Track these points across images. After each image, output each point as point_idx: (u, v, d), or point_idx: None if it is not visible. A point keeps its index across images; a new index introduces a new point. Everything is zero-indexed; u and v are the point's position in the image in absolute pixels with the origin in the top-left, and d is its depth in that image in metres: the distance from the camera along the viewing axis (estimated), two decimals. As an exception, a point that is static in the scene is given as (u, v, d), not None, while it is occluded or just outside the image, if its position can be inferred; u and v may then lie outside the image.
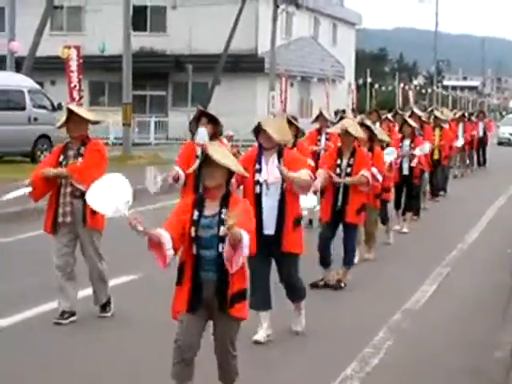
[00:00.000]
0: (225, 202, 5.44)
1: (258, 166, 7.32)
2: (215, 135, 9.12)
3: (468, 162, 25.92)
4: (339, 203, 9.48)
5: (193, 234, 5.37)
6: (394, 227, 13.50)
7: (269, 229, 7.30)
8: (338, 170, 9.52)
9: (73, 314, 7.99)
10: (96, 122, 8.23)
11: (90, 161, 7.85)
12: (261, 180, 7.29)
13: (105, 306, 8.22)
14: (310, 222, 13.27)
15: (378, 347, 7.56)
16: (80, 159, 7.89)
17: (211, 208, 5.42)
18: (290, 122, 10.95)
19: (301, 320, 7.84)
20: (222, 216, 5.34)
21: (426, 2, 78.02)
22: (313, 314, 8.37)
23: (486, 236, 14.31)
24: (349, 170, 9.52)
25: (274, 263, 7.59)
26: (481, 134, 27.90)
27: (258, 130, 7.30)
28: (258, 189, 7.29)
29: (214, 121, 9.24)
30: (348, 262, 9.78)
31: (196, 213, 5.40)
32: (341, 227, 9.72)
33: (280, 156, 7.30)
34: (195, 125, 9.29)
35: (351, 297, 9.46)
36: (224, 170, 5.38)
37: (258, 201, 7.27)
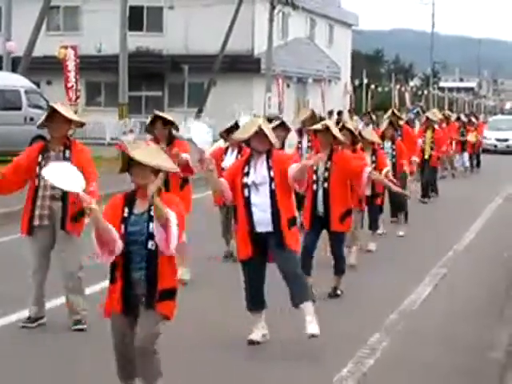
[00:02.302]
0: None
1: (246, 170, 7.36)
2: (170, 136, 9.46)
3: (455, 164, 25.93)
4: (319, 209, 9.06)
5: (122, 231, 5.45)
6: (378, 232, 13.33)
7: (263, 226, 7.28)
8: (314, 177, 9.00)
9: (39, 318, 7.82)
10: (81, 124, 7.92)
11: (94, 174, 7.61)
12: (249, 182, 7.31)
13: (80, 320, 7.82)
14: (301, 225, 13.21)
15: (374, 348, 7.57)
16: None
17: (141, 206, 5.52)
18: (270, 121, 11.04)
19: (314, 323, 7.35)
20: (151, 213, 5.39)
21: (424, 2, 78.16)
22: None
23: (481, 237, 14.32)
24: (326, 174, 9.03)
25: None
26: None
27: (256, 133, 7.26)
28: (246, 192, 7.31)
29: (169, 123, 9.43)
30: (339, 270, 9.44)
31: (126, 210, 5.51)
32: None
33: (269, 157, 7.33)
34: (152, 129, 9.59)
35: (347, 298, 9.46)
36: (149, 168, 5.43)
37: (247, 203, 7.31)
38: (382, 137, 13.83)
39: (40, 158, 7.70)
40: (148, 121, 9.90)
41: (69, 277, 7.82)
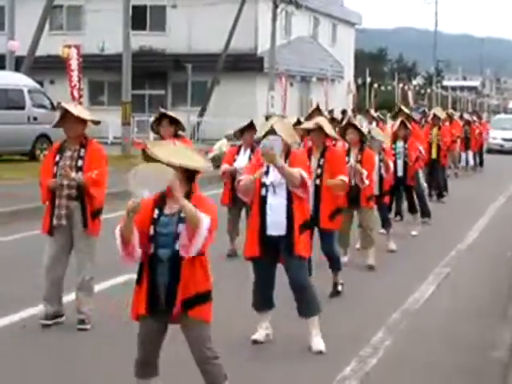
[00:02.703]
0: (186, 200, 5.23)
1: (265, 169, 7.25)
2: (176, 135, 9.39)
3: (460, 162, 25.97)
4: (311, 208, 8.56)
5: (151, 232, 5.28)
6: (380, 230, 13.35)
7: (275, 229, 7.17)
8: None
9: (57, 316, 7.85)
10: (95, 122, 7.95)
11: (101, 168, 7.71)
12: (267, 182, 7.21)
13: (83, 320, 7.84)
14: None
15: (377, 347, 7.57)
16: (80, 162, 7.69)
17: (172, 207, 5.29)
18: (299, 123, 10.99)
19: (319, 338, 7.38)
20: (182, 215, 5.20)
21: (428, 1, 78.08)
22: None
23: (485, 236, 14.32)
24: (319, 171, 8.91)
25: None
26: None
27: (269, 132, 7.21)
28: (263, 191, 7.21)
29: (175, 122, 9.45)
30: (335, 267, 9.38)
31: (156, 211, 5.31)
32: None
33: (287, 157, 7.22)
34: (157, 127, 9.59)
35: (349, 297, 9.46)
36: (178, 168, 5.16)
37: (262, 203, 7.21)
38: (395, 136, 13.83)
39: (57, 158, 7.76)
40: (153, 119, 9.90)
41: (82, 276, 7.86)
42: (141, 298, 5.34)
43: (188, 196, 5.21)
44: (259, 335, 7.45)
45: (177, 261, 5.22)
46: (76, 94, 25.03)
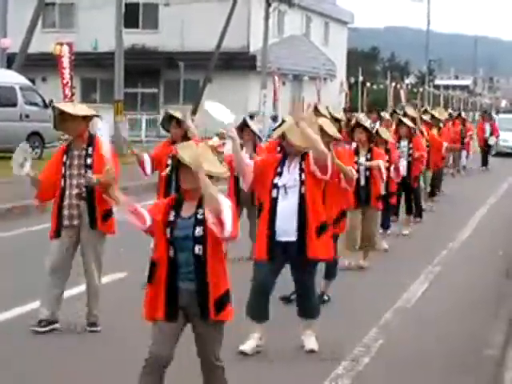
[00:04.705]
0: (202, 202, 5.16)
1: (279, 170, 7.07)
2: (186, 136, 9.12)
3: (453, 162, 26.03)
4: None
5: (168, 235, 5.17)
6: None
7: (284, 235, 7.00)
8: None
9: (52, 322, 7.63)
10: (94, 116, 7.66)
11: (116, 167, 7.52)
12: (279, 184, 7.02)
13: (95, 322, 7.73)
14: None
15: (370, 346, 7.58)
16: (89, 160, 7.52)
17: (188, 209, 5.20)
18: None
19: (313, 339, 7.35)
20: (198, 216, 5.13)
21: (417, 0, 78.05)
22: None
23: (477, 235, 14.35)
24: None
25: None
26: (487, 135, 28.36)
27: (282, 136, 7.15)
28: (275, 192, 7.02)
29: (181, 123, 9.35)
30: (329, 274, 9.12)
31: (172, 213, 5.20)
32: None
33: (303, 159, 7.07)
34: (168, 124, 9.49)
35: (342, 296, 9.45)
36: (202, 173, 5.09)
37: (273, 205, 7.02)
38: (398, 136, 13.81)
39: (65, 158, 7.62)
40: (163, 118, 9.81)
41: (91, 282, 7.74)
42: (158, 301, 5.21)
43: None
44: (248, 346, 7.17)
45: (200, 263, 5.15)
46: (68, 91, 24.98)
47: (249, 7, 43.17)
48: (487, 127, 29.11)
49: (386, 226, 12.67)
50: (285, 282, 7.67)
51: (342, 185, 8.23)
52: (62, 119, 7.56)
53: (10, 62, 28.38)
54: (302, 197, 7.01)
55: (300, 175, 7.04)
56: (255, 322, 7.20)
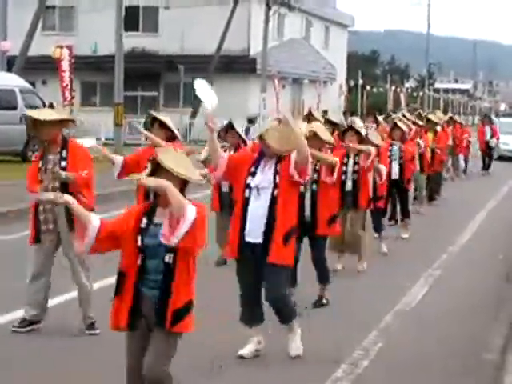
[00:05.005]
0: None
1: (253, 169, 6.96)
2: (168, 139, 9.08)
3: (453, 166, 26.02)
4: (307, 213, 8.63)
5: (139, 242, 5.01)
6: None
7: (253, 236, 6.89)
8: None
9: (36, 322, 7.68)
10: (69, 121, 7.80)
11: (89, 169, 7.60)
12: (252, 184, 6.91)
13: (92, 324, 7.73)
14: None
15: (369, 349, 7.56)
16: (63, 163, 7.56)
17: (162, 215, 5.00)
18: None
19: (295, 343, 7.22)
20: None
21: (416, 4, 78.17)
22: (303, 316, 8.37)
23: (477, 239, 14.34)
24: (315, 176, 8.63)
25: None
26: (488, 138, 28.35)
27: (260, 138, 7.03)
28: (247, 192, 6.92)
29: (164, 125, 9.27)
30: (324, 279, 9.03)
31: (144, 220, 5.04)
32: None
33: (279, 161, 6.95)
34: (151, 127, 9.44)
35: (342, 299, 9.44)
36: (177, 178, 4.98)
37: (245, 205, 6.93)
38: (391, 139, 13.80)
39: (40, 164, 7.67)
40: (145, 120, 9.82)
41: (80, 284, 7.74)
42: (123, 310, 5.08)
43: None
44: (247, 350, 7.09)
45: (169, 271, 5.00)
46: (68, 94, 24.99)
47: (249, 10, 43.18)
48: (488, 130, 29.12)
49: (379, 229, 12.56)
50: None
51: (323, 178, 8.23)
52: (34, 125, 7.57)
53: (10, 64, 28.39)
54: (273, 199, 6.88)
55: (274, 177, 6.91)
56: (247, 327, 7.13)
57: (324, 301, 9.05)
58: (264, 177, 6.92)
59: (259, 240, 6.89)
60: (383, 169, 11.78)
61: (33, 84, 31.40)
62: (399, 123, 14.18)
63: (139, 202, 8.95)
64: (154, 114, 9.70)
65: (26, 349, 7.30)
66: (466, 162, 26.60)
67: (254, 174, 6.95)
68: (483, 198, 20.45)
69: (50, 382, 6.57)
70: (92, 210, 7.77)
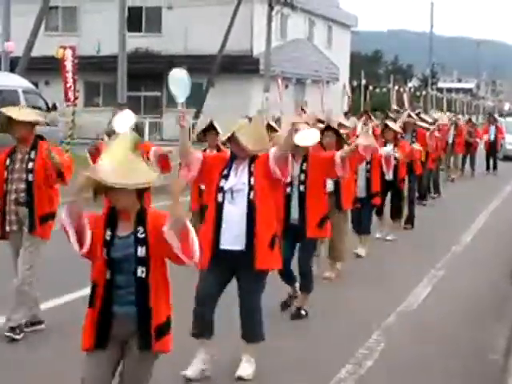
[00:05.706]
0: (140, 218, 4.61)
1: (225, 172, 6.51)
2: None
3: (461, 165, 25.96)
4: (294, 215, 8.26)
5: (105, 255, 4.59)
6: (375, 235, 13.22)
7: (231, 244, 6.41)
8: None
9: (24, 326, 7.52)
10: (36, 122, 7.71)
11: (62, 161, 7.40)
12: (225, 187, 6.45)
13: (15, 328, 7.40)
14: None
15: (372, 349, 7.55)
16: (30, 164, 7.40)
17: (125, 227, 4.62)
18: (270, 127, 10.04)
19: (250, 366, 6.64)
20: (139, 235, 4.56)
21: (423, 2, 77.99)
22: (307, 317, 8.37)
23: (480, 239, 14.32)
24: (303, 176, 8.27)
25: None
26: (492, 138, 28.23)
27: (230, 138, 6.56)
28: (220, 197, 6.44)
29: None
30: (307, 287, 8.50)
31: (108, 233, 4.61)
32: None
33: (252, 161, 6.54)
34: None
35: (345, 299, 9.44)
36: (129, 190, 4.53)
37: (218, 210, 6.43)
38: (385, 141, 13.72)
39: (8, 162, 7.52)
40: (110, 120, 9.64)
41: (22, 279, 7.43)
42: (91, 327, 4.66)
43: (142, 214, 4.61)
44: (192, 371, 6.47)
45: (143, 287, 4.58)
46: (71, 95, 24.98)
47: (252, 10, 43.16)
48: (492, 130, 29.04)
49: (363, 231, 12.18)
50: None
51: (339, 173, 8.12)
52: (9, 123, 7.48)
53: (13, 65, 28.38)
54: (250, 203, 6.42)
55: (249, 179, 6.48)
56: (195, 337, 6.56)
57: (303, 312, 8.53)
58: (238, 179, 6.49)
59: (238, 247, 6.43)
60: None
61: (36, 84, 31.38)
62: (390, 124, 14.03)
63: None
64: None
65: (26, 349, 7.30)
66: (473, 161, 26.54)
67: (226, 177, 6.51)
68: (487, 197, 20.42)
69: (51, 382, 6.56)
70: (53, 212, 7.51)
